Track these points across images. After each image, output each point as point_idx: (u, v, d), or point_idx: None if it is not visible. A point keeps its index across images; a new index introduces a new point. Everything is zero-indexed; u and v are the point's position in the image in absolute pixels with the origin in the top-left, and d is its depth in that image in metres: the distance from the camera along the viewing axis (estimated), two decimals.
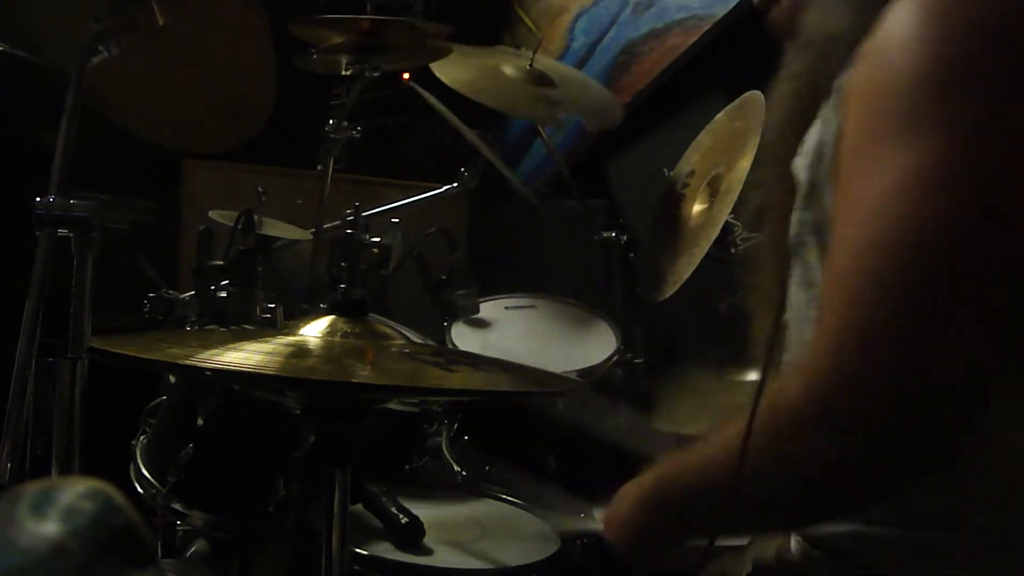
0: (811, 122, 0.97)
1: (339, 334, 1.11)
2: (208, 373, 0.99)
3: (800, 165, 0.98)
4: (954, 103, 0.78)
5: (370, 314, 1.18)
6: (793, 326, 1.03)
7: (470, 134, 2.20)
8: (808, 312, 0.99)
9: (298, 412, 1.10)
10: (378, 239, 2.05)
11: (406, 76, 3.05)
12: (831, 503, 0.87)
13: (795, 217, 0.99)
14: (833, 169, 0.90)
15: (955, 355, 0.77)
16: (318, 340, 1.10)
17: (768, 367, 0.91)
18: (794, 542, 1.07)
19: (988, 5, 0.80)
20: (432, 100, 2.21)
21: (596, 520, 1.27)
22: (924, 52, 0.80)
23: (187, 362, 0.98)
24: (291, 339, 1.10)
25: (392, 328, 1.33)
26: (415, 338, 1.90)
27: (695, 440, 0.97)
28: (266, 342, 1.05)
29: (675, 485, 0.99)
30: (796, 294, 1.02)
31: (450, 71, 2.22)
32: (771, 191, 1.05)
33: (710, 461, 0.93)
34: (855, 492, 0.84)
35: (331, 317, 1.14)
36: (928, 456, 0.81)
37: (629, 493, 1.05)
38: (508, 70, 2.34)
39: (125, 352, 0.99)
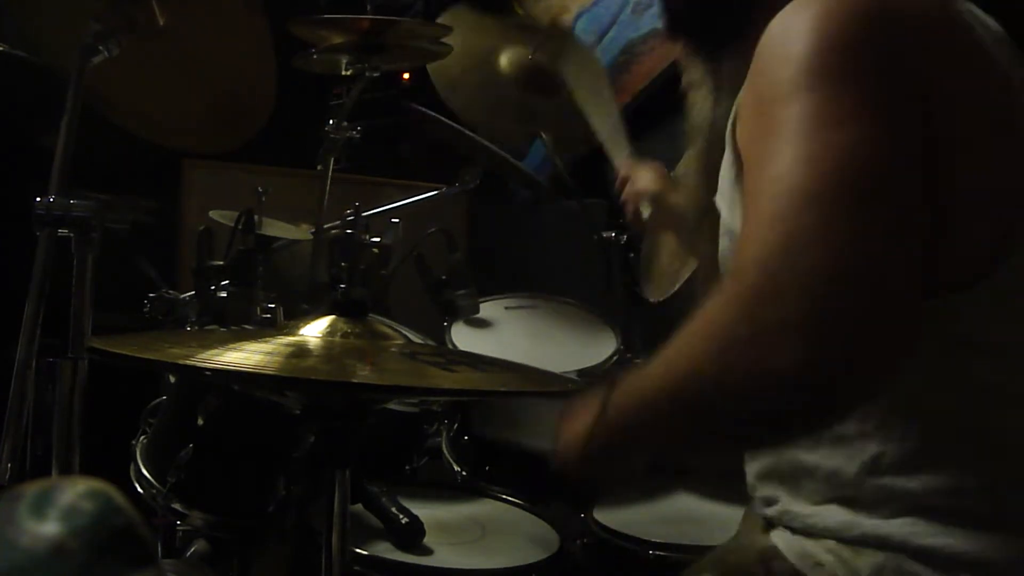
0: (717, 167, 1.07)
1: (339, 334, 1.11)
2: (208, 373, 0.99)
3: (719, 202, 1.06)
4: (825, 62, 0.88)
5: (370, 314, 1.18)
6: None
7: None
8: None
9: (298, 412, 1.10)
10: (378, 239, 2.05)
11: (406, 76, 3.05)
12: (771, 419, 0.86)
13: (721, 245, 1.07)
14: (740, 190, 0.99)
15: (877, 254, 0.81)
16: (318, 340, 1.10)
17: None
18: (781, 540, 1.07)
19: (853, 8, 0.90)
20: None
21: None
22: (793, 39, 0.90)
23: (187, 362, 0.98)
24: (291, 339, 1.10)
25: (392, 328, 1.33)
26: (415, 338, 1.90)
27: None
28: (266, 342, 1.05)
29: (625, 406, 0.96)
30: None
31: (446, 66, 2.22)
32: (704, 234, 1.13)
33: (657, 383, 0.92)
34: (795, 406, 0.84)
35: (331, 317, 1.14)
36: (863, 361, 0.81)
37: (581, 413, 1.04)
38: (503, 62, 2.34)
39: (125, 352, 0.99)
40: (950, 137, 0.90)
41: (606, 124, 1.84)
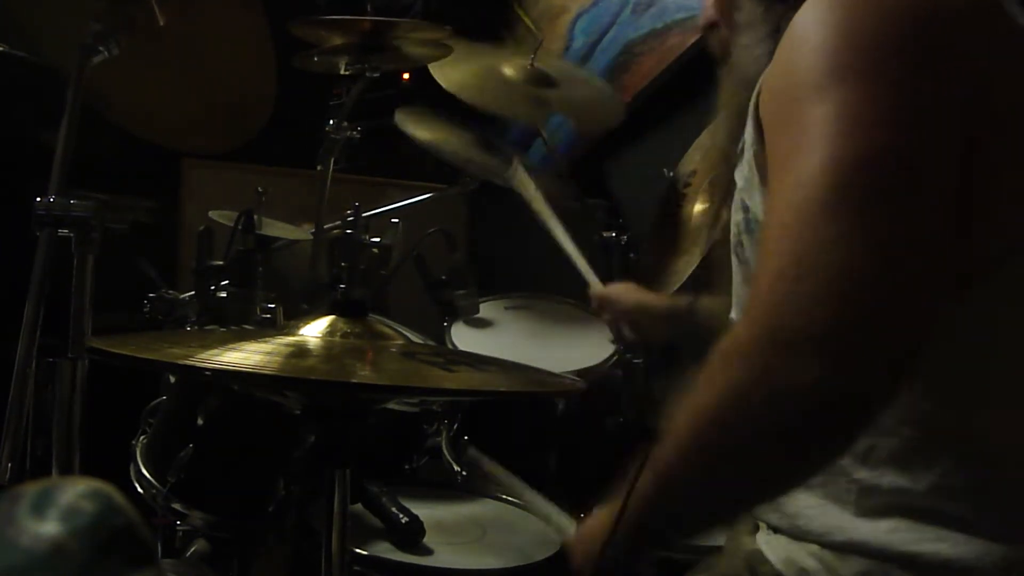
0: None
1: (339, 334, 1.11)
2: (208, 373, 0.99)
3: (738, 175, 1.04)
4: (856, 59, 0.85)
5: (370, 314, 1.18)
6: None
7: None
8: None
9: (298, 412, 1.10)
10: (378, 239, 2.05)
11: (406, 76, 3.06)
12: (801, 438, 0.83)
13: (734, 219, 1.05)
14: (757, 168, 0.97)
15: (896, 263, 0.80)
16: (318, 340, 1.10)
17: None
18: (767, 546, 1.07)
19: None
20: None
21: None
22: (824, 29, 0.87)
23: (187, 362, 0.98)
24: (291, 339, 1.10)
25: (392, 328, 1.33)
26: (415, 338, 1.90)
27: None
28: (266, 342, 1.05)
29: (648, 495, 0.92)
30: (740, 292, 1.05)
31: (447, 72, 2.22)
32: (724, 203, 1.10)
33: (672, 456, 0.89)
34: (822, 421, 0.81)
35: (331, 317, 1.14)
36: (884, 368, 0.80)
37: (600, 521, 1.01)
38: (508, 70, 2.34)
39: (125, 352, 0.99)
40: (991, 131, 0.87)
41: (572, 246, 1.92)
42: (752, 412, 0.82)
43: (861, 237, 0.79)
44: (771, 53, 0.98)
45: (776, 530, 1.04)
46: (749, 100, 1.00)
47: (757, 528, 1.09)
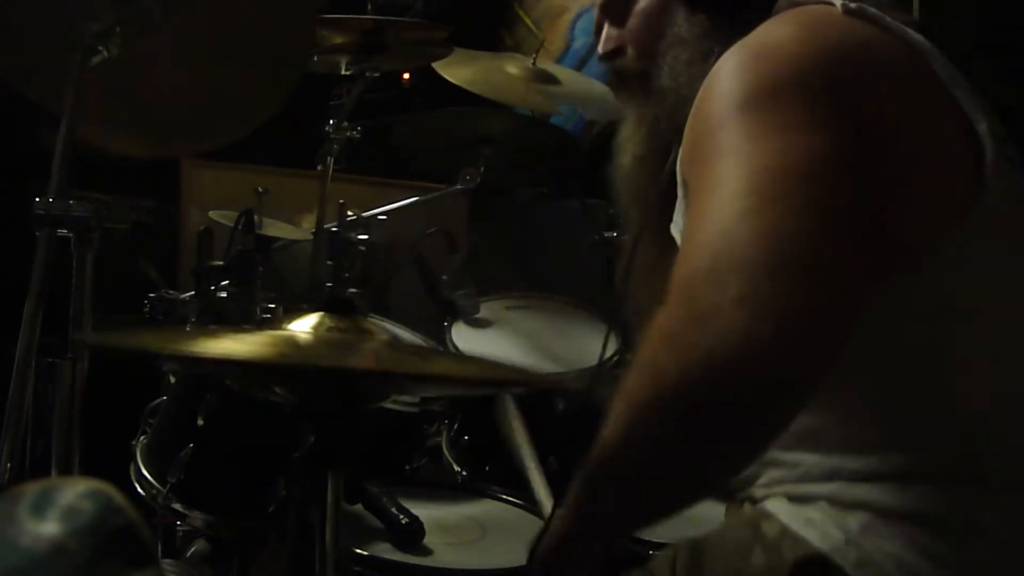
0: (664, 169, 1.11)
1: (325, 330, 1.11)
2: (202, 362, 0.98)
3: (674, 230, 1.10)
4: (757, 93, 0.95)
5: (371, 314, 1.18)
6: None
7: None
8: None
9: (289, 413, 1.10)
10: (364, 236, 2.05)
11: (406, 76, 3.06)
12: (733, 413, 0.85)
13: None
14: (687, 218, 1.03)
15: (810, 234, 0.85)
16: (307, 335, 1.09)
17: None
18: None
19: (782, 48, 0.98)
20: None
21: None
22: (727, 79, 0.98)
23: (177, 351, 0.97)
24: (280, 334, 1.09)
25: (385, 327, 1.32)
26: (416, 339, 1.90)
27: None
28: (256, 335, 1.05)
29: (596, 484, 0.95)
30: None
31: (453, 68, 2.23)
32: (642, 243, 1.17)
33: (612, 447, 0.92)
34: (745, 394, 0.83)
35: (319, 314, 1.13)
36: (802, 342, 0.83)
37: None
38: (511, 68, 2.35)
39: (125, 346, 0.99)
40: (889, 146, 0.95)
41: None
42: (679, 391, 0.85)
43: (773, 211, 0.85)
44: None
45: (782, 496, 1.05)
46: (677, 130, 1.05)
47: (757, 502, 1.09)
